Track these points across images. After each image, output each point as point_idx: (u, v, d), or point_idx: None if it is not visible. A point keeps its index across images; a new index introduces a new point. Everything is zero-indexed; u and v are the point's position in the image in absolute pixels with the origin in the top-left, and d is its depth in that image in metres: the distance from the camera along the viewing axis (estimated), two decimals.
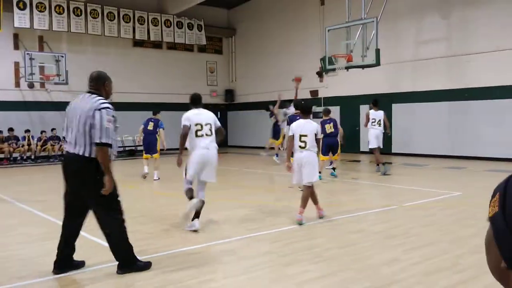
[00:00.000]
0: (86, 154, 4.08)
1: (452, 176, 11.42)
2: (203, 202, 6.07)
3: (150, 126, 11.46)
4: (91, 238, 5.57)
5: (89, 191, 4.16)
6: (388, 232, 5.73)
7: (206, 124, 6.20)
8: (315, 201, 6.55)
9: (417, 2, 15.21)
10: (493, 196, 0.82)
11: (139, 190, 10.26)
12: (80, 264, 4.45)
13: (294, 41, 20.33)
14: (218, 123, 6.39)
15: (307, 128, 6.34)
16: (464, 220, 6.32)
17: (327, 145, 10.29)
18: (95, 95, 4.19)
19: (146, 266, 4.38)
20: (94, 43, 19.72)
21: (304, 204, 6.30)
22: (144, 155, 11.56)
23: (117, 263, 4.33)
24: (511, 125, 13.50)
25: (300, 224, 6.19)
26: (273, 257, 4.72)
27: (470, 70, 14.47)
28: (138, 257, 4.41)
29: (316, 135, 6.33)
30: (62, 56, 17.84)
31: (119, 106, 21.43)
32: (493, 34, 13.82)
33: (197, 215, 6.03)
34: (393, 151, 16.73)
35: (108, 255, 4.83)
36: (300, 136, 6.32)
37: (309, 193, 6.38)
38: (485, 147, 14.15)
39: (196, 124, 6.17)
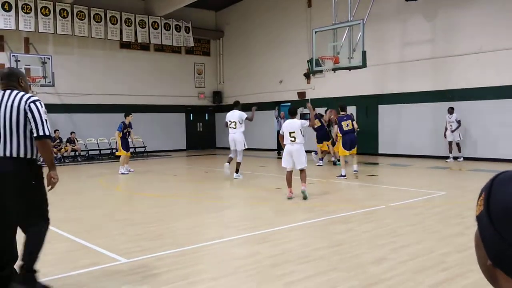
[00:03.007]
0: (21, 155, 3.59)
1: (437, 176, 11.56)
2: (239, 163, 11.19)
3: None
4: (78, 241, 5.55)
5: (21, 198, 3.60)
6: (375, 231, 5.79)
7: (232, 121, 11.14)
8: (304, 180, 8.10)
9: (402, 4, 15.37)
10: (479, 196, 0.84)
11: (125, 192, 10.23)
12: None
13: (281, 43, 20.41)
14: (242, 118, 11.07)
15: (293, 126, 8.07)
16: (449, 219, 6.41)
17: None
18: (17, 91, 3.72)
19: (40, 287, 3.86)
20: (80, 45, 19.58)
21: (304, 180, 8.07)
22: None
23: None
24: (494, 125, 13.70)
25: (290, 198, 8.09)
26: (261, 257, 4.74)
27: (455, 71, 14.66)
28: (123, 259, 4.38)
29: (301, 130, 8.05)
30: (48, 58, 17.68)
31: (106, 108, 21.14)
32: (477, 36, 14.03)
33: (236, 171, 11.11)
34: (379, 151, 16.88)
35: (95, 258, 4.81)
36: (290, 133, 8.02)
37: (305, 174, 8.11)
38: (468, 147, 14.34)
39: (229, 121, 11.23)
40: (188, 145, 23.10)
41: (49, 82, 17.62)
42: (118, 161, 13.31)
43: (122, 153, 13.02)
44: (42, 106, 3.69)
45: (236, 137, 11.11)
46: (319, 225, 6.32)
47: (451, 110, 14.14)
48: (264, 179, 11.59)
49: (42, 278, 4.18)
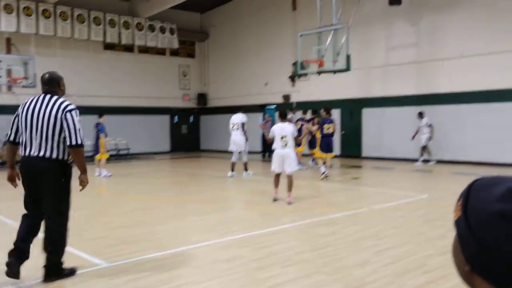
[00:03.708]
0: (54, 156, 4.09)
1: (419, 179, 11.69)
2: (245, 163, 12.20)
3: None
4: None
5: (51, 191, 4.12)
6: (359, 234, 5.83)
7: (236, 123, 11.93)
8: (290, 188, 7.88)
9: (387, 8, 15.52)
10: (457, 201, 0.84)
11: (108, 195, 10.12)
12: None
13: (266, 46, 20.45)
14: (243, 122, 11.90)
15: (285, 130, 7.84)
16: (432, 222, 6.48)
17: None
18: (56, 96, 4.20)
19: (72, 272, 4.31)
20: (63, 46, 19.34)
21: (290, 188, 7.85)
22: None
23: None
24: (476, 129, 13.90)
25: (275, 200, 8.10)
26: (245, 261, 4.73)
27: (438, 75, 14.85)
28: (105, 263, 4.34)
29: (293, 135, 7.87)
30: (31, 59, 17.42)
31: (90, 111, 21.02)
32: (459, 40, 14.23)
33: (245, 169, 12.20)
34: (363, 154, 17.00)
35: (76, 263, 4.75)
36: (281, 137, 7.78)
37: (291, 180, 7.89)
38: (450, 150, 14.52)
39: (231, 123, 12.02)
40: (173, 147, 22.96)
41: (31, 83, 17.32)
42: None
43: (105, 155, 12.85)
44: (77, 115, 4.13)
45: (237, 139, 11.98)
46: (303, 228, 6.33)
47: (420, 115, 14.27)
48: (249, 182, 11.58)
49: (22, 282, 4.12)
